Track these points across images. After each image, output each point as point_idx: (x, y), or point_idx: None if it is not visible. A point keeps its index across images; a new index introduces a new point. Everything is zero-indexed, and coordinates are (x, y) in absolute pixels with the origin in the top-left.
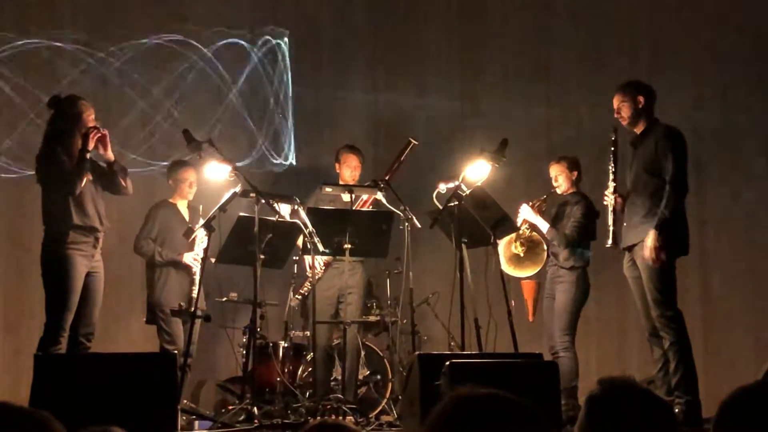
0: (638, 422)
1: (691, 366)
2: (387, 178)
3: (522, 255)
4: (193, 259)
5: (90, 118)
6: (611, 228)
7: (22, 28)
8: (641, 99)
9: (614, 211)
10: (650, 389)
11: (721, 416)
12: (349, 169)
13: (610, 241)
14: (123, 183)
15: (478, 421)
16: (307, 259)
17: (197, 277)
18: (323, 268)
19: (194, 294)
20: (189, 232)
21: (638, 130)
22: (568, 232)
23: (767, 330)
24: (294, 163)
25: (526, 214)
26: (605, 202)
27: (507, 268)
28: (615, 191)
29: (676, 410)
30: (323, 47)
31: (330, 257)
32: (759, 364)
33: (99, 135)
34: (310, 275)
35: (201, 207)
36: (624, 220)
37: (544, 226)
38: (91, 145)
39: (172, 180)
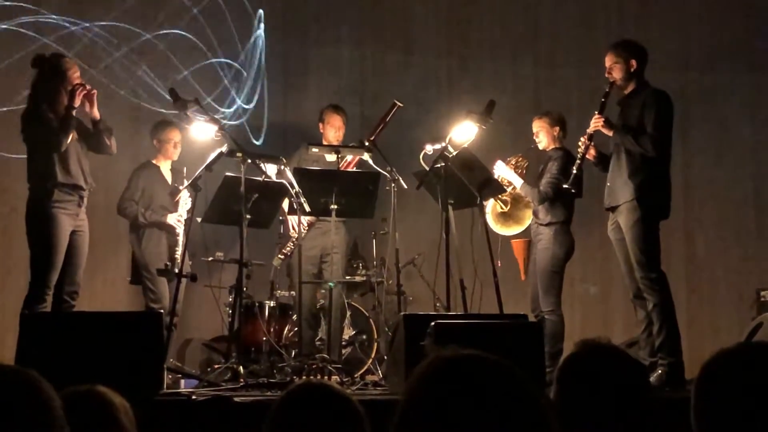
0: (611, 380)
1: (675, 328)
2: (372, 139)
3: (506, 212)
4: (176, 220)
5: (75, 75)
6: (574, 171)
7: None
8: (634, 63)
9: (583, 156)
10: (623, 349)
11: (703, 378)
12: (333, 129)
13: (567, 184)
14: (108, 142)
15: (459, 383)
16: (291, 219)
17: (180, 238)
18: (306, 228)
19: (178, 255)
20: (175, 191)
21: (627, 90)
22: (543, 189)
23: (751, 292)
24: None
25: (500, 170)
26: (578, 147)
27: (494, 227)
28: (591, 139)
29: (659, 371)
30: (311, 4)
31: (313, 217)
32: (742, 326)
33: (85, 92)
34: (293, 235)
35: (185, 169)
36: (607, 179)
37: (518, 182)
38: (77, 102)
39: (156, 140)
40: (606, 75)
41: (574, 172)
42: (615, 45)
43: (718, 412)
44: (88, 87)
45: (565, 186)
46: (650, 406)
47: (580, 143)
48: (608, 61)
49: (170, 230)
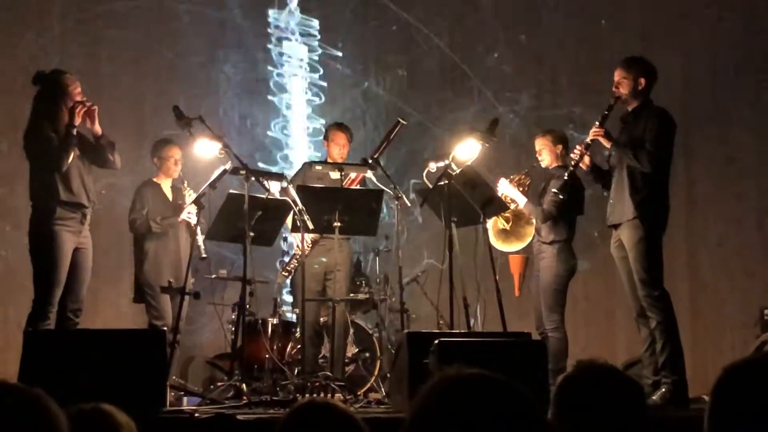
0: (608, 401)
1: (678, 346)
2: (375, 156)
3: (508, 229)
4: (188, 213)
5: (76, 92)
6: (565, 178)
7: None
8: (642, 81)
9: (576, 164)
10: (619, 369)
11: (718, 392)
12: (338, 147)
13: (556, 189)
14: (111, 157)
15: (465, 402)
16: (295, 236)
17: (197, 227)
18: (310, 245)
19: (200, 242)
20: (178, 209)
21: (631, 107)
22: (546, 207)
23: (755, 310)
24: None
25: (504, 188)
26: (572, 154)
27: (495, 243)
28: (587, 148)
29: (663, 390)
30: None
31: (317, 234)
32: (746, 344)
33: (85, 109)
34: (297, 252)
35: (181, 172)
36: (610, 197)
37: (521, 200)
38: (77, 120)
39: (156, 158)
40: (613, 89)
41: (565, 178)
42: (626, 60)
43: (735, 421)
44: (88, 104)
45: (554, 191)
46: (647, 427)
47: (575, 150)
48: (617, 75)
49: (176, 240)
